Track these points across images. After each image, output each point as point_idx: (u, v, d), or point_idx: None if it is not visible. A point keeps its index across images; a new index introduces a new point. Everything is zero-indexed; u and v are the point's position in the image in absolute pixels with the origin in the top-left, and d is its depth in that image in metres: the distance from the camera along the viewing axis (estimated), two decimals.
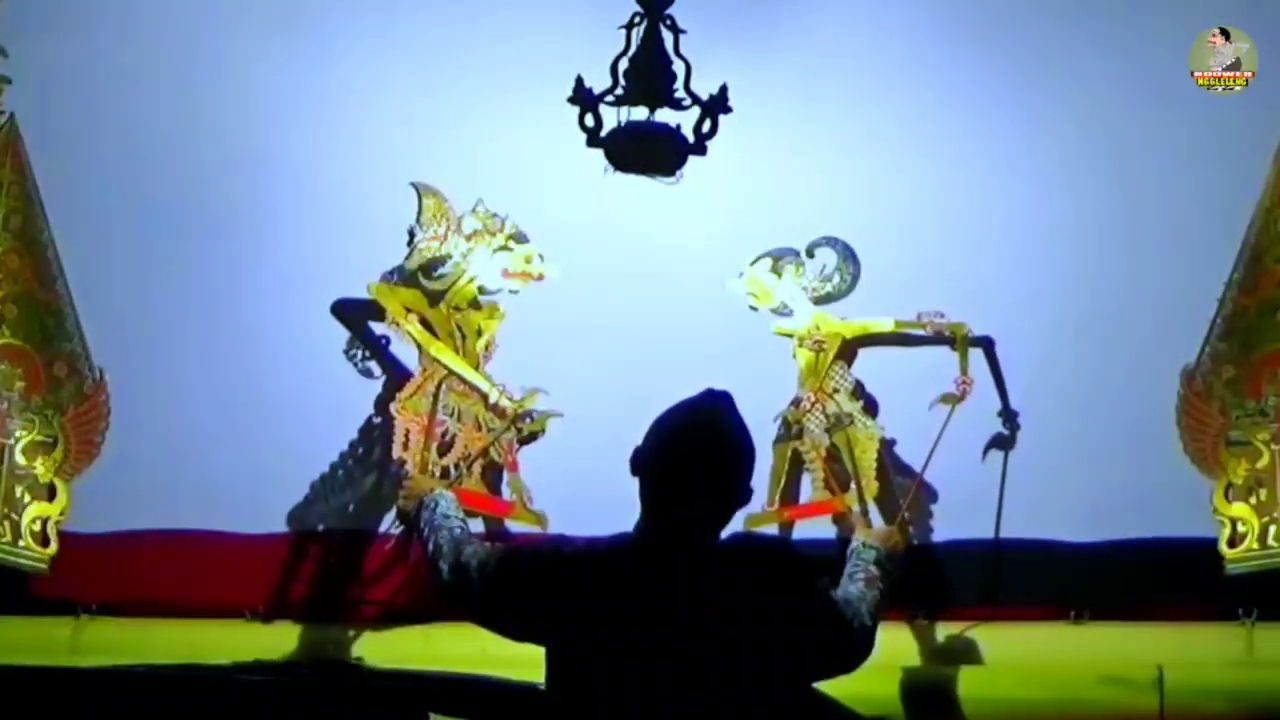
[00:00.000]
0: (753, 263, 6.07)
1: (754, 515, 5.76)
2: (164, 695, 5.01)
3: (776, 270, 6.07)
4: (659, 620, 3.31)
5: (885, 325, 6.05)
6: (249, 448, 6.05)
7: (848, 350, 6.06)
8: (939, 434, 5.46)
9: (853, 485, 5.85)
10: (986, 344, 6.01)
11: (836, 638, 3.46)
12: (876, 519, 5.72)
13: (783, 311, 6.07)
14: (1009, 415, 5.99)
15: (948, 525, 6.03)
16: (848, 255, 6.07)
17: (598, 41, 5.39)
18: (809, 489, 6.01)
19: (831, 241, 6.09)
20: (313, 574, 6.12)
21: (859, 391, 6.04)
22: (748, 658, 3.32)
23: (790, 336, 6.06)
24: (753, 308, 6.07)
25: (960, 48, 6.10)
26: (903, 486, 5.87)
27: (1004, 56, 6.11)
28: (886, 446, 5.98)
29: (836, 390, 6.03)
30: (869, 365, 6.08)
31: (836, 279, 6.07)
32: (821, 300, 6.07)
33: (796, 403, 6.02)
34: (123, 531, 6.14)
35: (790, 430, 6.00)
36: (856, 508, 5.81)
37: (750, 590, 3.35)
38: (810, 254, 6.09)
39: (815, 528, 5.93)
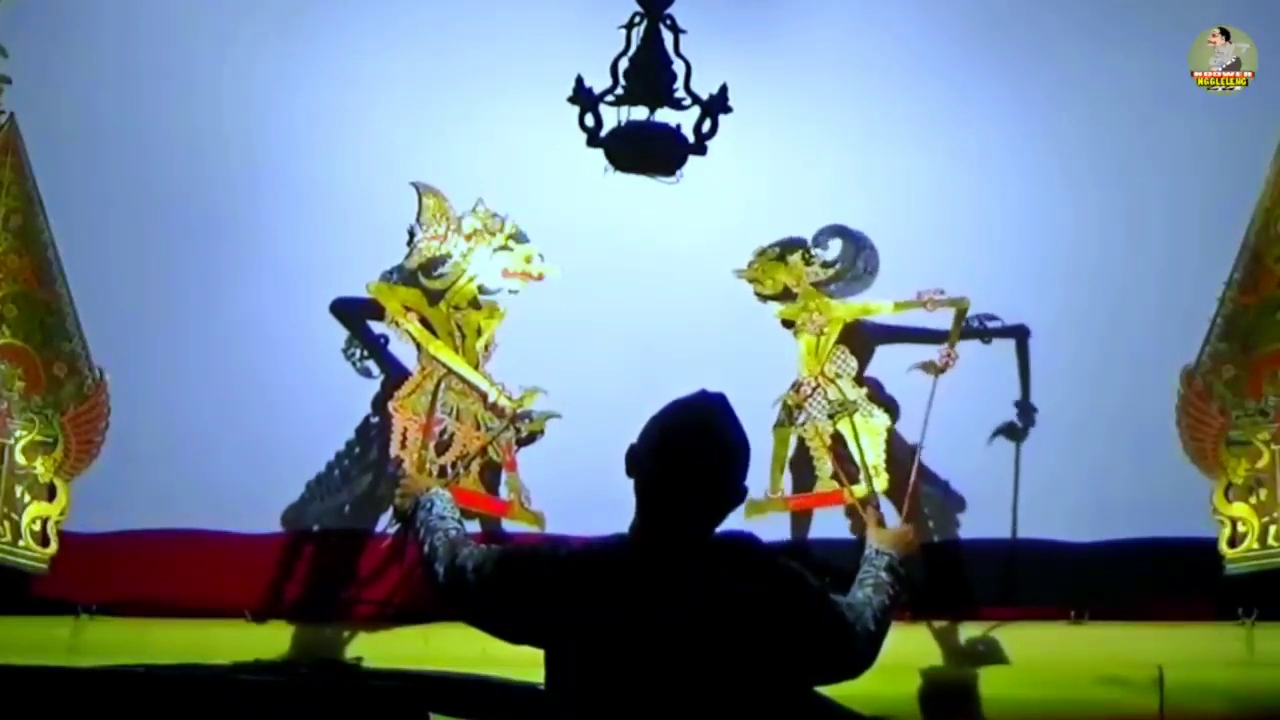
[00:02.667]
0: (760, 251, 6.06)
1: (755, 502, 5.69)
2: (164, 695, 5.00)
3: (783, 257, 6.07)
4: (654, 619, 3.31)
5: (884, 306, 6.02)
6: (248, 448, 6.06)
7: (850, 336, 6.03)
8: (928, 404, 5.45)
9: (861, 478, 5.74)
10: (1019, 333, 6.00)
11: (834, 638, 3.45)
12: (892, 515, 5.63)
13: (786, 297, 6.06)
14: (1027, 409, 5.98)
15: (949, 526, 6.04)
16: (855, 241, 6.07)
17: (598, 41, 5.38)
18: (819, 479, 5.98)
19: (839, 230, 6.09)
20: (312, 574, 6.12)
21: (863, 379, 6.01)
22: (743, 656, 3.32)
23: (792, 320, 6.03)
24: (758, 294, 6.06)
25: (960, 47, 6.10)
26: (929, 496, 5.87)
27: (1004, 55, 6.12)
28: (898, 440, 5.89)
29: (838, 375, 5.99)
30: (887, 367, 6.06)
31: (840, 265, 6.06)
32: (826, 284, 6.06)
33: (796, 387, 5.99)
34: (122, 531, 6.14)
35: (791, 415, 5.97)
36: (869, 505, 5.72)
37: (744, 589, 3.34)
38: (818, 242, 6.09)
39: (830, 527, 5.92)
